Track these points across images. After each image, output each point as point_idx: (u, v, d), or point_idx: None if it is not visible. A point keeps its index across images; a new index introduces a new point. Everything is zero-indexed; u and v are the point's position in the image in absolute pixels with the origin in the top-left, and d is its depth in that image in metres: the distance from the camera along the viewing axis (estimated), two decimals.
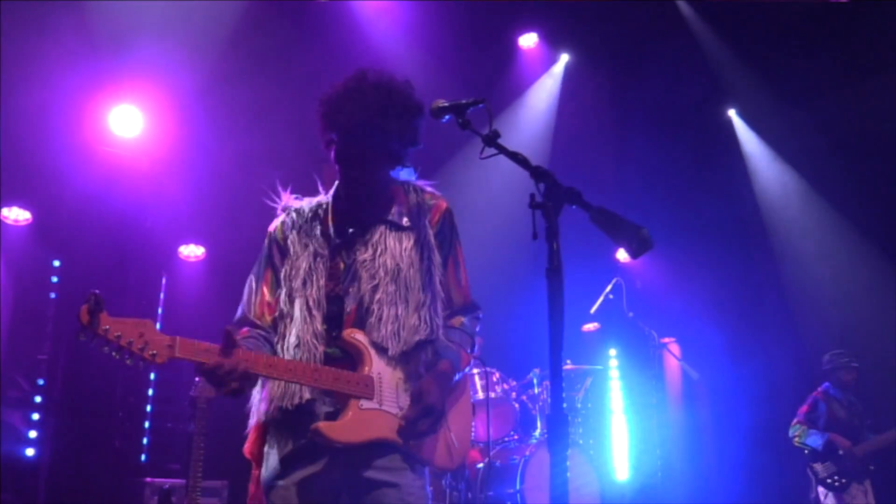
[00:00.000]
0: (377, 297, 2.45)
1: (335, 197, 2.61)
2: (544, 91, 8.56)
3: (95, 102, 6.30)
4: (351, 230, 2.55)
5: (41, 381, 6.25)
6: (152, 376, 6.61)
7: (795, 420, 6.63)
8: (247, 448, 2.56)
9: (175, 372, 6.43)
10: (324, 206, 2.61)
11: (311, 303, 2.46)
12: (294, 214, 2.61)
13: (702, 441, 8.77)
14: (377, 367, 2.42)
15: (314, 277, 2.49)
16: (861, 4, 7.34)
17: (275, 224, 2.62)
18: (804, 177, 8.60)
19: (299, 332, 2.44)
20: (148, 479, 5.45)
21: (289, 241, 2.56)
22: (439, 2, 7.18)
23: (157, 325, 6.25)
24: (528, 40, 8.31)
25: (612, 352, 8.88)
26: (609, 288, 6.85)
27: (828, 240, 8.52)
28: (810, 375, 8.13)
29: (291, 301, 2.49)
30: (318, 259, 2.52)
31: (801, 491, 7.03)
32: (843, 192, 8.27)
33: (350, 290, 2.48)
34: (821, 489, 6.38)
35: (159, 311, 6.57)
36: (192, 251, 7.09)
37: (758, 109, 8.66)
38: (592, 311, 6.96)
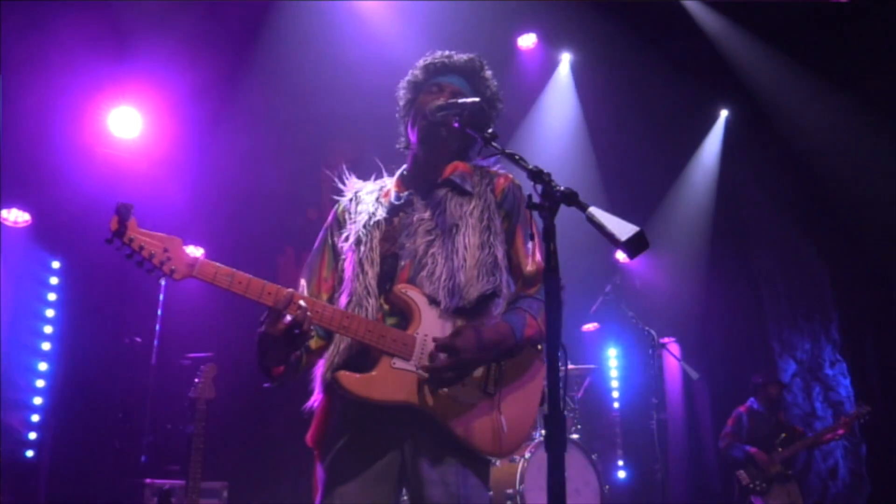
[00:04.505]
0: (432, 251, 2.41)
1: (400, 175, 2.66)
2: (544, 92, 8.56)
3: (95, 104, 6.29)
4: (410, 192, 2.56)
5: (41, 383, 6.25)
6: (152, 377, 6.60)
7: (722, 433, 7.11)
8: (309, 436, 2.49)
9: (175, 372, 6.43)
10: (387, 183, 2.66)
11: (364, 260, 2.43)
12: (355, 194, 2.64)
13: (701, 441, 8.77)
14: (426, 327, 2.33)
15: (368, 237, 2.47)
16: (861, 4, 7.34)
17: (336, 207, 2.66)
18: (804, 176, 8.59)
19: (351, 289, 2.41)
20: (147, 480, 5.44)
21: (346, 215, 2.59)
22: (438, 2, 7.18)
23: (157, 326, 6.29)
24: (527, 41, 8.31)
25: (612, 352, 8.88)
26: (609, 288, 6.86)
27: (825, 239, 8.52)
28: (811, 375, 8.14)
29: (345, 265, 2.48)
30: (373, 220, 2.51)
31: (803, 491, 7.05)
32: (844, 190, 8.27)
33: (406, 245, 2.44)
34: (752, 497, 6.79)
35: (159, 312, 6.56)
36: (191, 252, 7.08)
37: (757, 107, 8.66)
38: (592, 310, 6.97)
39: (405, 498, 2.53)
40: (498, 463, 5.65)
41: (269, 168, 6.78)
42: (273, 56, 6.85)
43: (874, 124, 7.75)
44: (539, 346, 2.51)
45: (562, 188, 1.98)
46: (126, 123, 6.38)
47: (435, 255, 2.40)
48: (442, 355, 2.28)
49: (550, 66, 8.56)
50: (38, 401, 6.21)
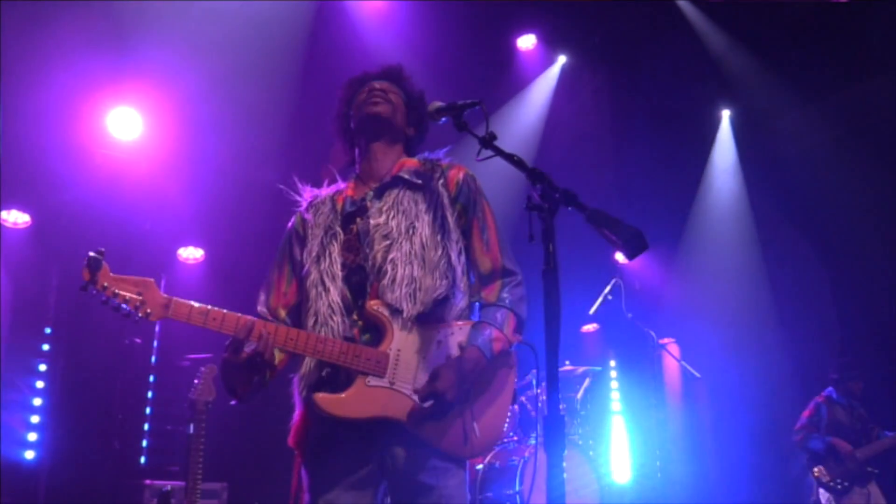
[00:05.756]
0: (390, 256, 2.39)
1: (354, 177, 2.66)
2: (541, 92, 8.56)
3: (94, 104, 6.29)
4: (362, 197, 2.55)
5: (41, 384, 6.25)
6: (151, 378, 6.61)
7: (798, 424, 6.64)
8: (290, 438, 2.51)
9: (174, 373, 6.43)
10: (342, 188, 2.63)
11: (325, 277, 2.42)
12: (310, 204, 2.63)
13: (701, 442, 8.77)
14: (398, 342, 2.34)
15: (327, 251, 2.46)
16: (861, 4, 7.33)
17: (294, 218, 2.65)
18: (801, 176, 8.59)
19: (315, 309, 2.40)
20: (147, 482, 5.45)
21: (306, 226, 2.57)
22: (437, 3, 7.18)
23: (157, 327, 6.28)
24: (527, 42, 8.30)
25: (612, 353, 8.87)
26: (608, 289, 6.85)
27: (825, 239, 8.52)
28: (810, 375, 8.13)
29: (307, 283, 2.46)
30: (330, 232, 2.50)
31: (802, 491, 7.02)
32: (843, 191, 8.26)
33: (368, 255, 2.43)
34: (822, 492, 6.39)
35: None
36: (191, 253, 7.09)
37: (755, 109, 8.66)
38: (591, 311, 6.96)
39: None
40: (498, 464, 5.66)
41: (270, 169, 6.77)
42: (273, 56, 6.85)
43: (876, 124, 7.75)
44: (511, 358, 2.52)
45: (561, 189, 1.98)
46: (126, 124, 6.38)
47: (394, 260, 2.39)
48: (427, 403, 2.29)
49: (549, 68, 8.56)
50: (37, 402, 6.21)
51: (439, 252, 2.41)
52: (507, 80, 8.39)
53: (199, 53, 6.29)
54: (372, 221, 2.46)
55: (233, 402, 2.43)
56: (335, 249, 2.46)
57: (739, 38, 8.08)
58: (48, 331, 6.37)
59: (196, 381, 4.47)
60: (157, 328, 6.27)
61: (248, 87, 6.62)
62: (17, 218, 6.32)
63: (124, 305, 2.24)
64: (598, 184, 8.38)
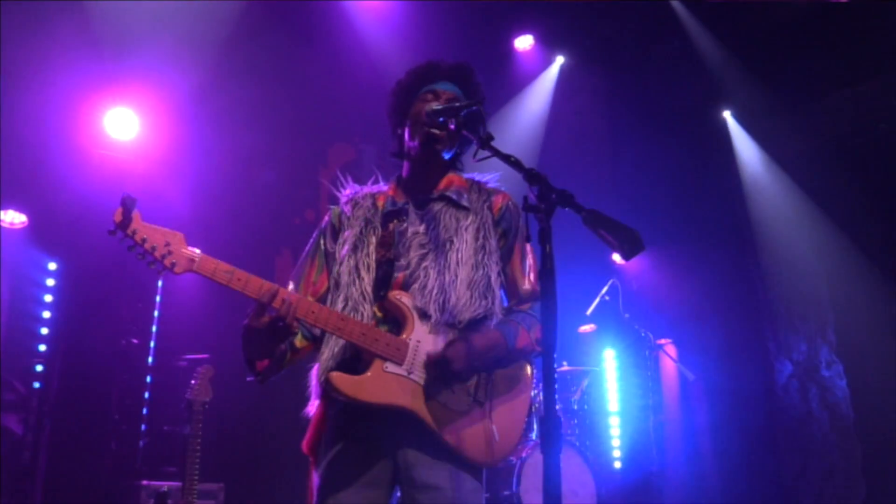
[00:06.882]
0: (424, 264, 2.42)
1: (396, 179, 2.68)
2: (540, 93, 8.56)
3: (91, 105, 6.29)
4: (405, 201, 2.58)
5: (37, 385, 6.24)
6: (148, 379, 6.61)
7: None
8: (304, 443, 2.51)
9: (171, 374, 6.42)
10: (384, 189, 2.67)
11: (360, 265, 2.45)
12: (351, 199, 2.65)
13: (698, 442, 8.77)
14: (418, 334, 2.36)
15: (364, 242, 2.49)
16: (861, 4, 7.33)
17: (331, 212, 2.67)
18: (798, 178, 8.60)
19: (347, 294, 2.42)
20: (144, 482, 5.44)
21: (343, 219, 2.60)
22: (435, 3, 7.18)
23: (154, 328, 6.26)
24: (524, 42, 8.30)
25: (609, 353, 8.88)
26: (605, 289, 6.86)
27: (822, 241, 8.53)
28: (807, 376, 8.14)
29: (341, 269, 2.49)
30: (370, 226, 2.53)
31: (800, 490, 7.02)
32: (840, 193, 8.28)
33: (401, 255, 2.46)
34: None
35: (156, 313, 6.56)
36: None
37: (754, 111, 8.67)
38: (588, 312, 6.97)
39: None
40: None
41: (267, 170, 6.78)
42: (271, 57, 6.85)
43: (875, 124, 7.75)
44: (530, 362, 2.54)
45: (558, 190, 1.99)
46: (123, 125, 6.38)
47: (427, 268, 2.42)
48: (433, 370, 2.31)
49: (547, 68, 8.56)
50: (34, 402, 6.20)
51: (480, 272, 2.44)
52: (505, 80, 8.39)
53: (196, 54, 6.30)
54: (411, 228, 2.50)
55: (249, 379, 2.43)
56: (372, 242, 2.50)
57: (737, 38, 8.08)
58: (45, 331, 6.36)
59: (193, 382, 4.47)
60: (154, 328, 6.26)
61: (246, 87, 6.62)
62: (14, 218, 6.30)
63: (151, 254, 2.22)
64: (595, 184, 8.39)
